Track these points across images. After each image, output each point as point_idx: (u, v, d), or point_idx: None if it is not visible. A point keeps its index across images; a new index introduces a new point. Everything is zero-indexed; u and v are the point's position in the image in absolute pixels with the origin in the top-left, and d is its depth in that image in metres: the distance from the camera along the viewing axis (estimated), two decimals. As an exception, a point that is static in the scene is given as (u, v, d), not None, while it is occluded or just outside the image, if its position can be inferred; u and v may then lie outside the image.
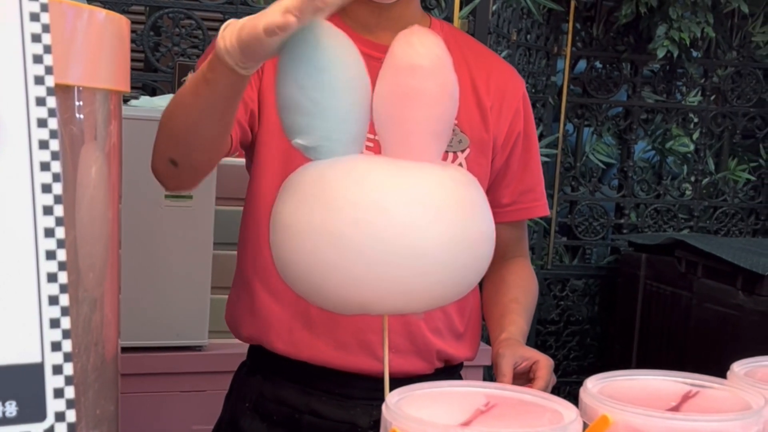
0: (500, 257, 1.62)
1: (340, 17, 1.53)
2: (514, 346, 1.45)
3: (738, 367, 1.08)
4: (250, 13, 3.53)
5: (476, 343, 1.64)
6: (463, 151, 1.51)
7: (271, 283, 1.48)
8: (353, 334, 1.48)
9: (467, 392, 0.99)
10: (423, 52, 1.10)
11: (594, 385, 0.99)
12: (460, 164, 1.51)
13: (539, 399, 0.96)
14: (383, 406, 0.91)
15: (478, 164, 1.53)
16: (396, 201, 1.06)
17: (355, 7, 1.48)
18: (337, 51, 1.06)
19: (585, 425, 0.92)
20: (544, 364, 1.41)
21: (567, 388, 4.10)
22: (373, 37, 1.48)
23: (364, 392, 1.49)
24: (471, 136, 1.52)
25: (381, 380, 1.14)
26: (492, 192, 1.58)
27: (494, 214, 1.58)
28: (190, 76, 1.32)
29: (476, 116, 1.53)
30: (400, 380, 1.06)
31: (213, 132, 1.32)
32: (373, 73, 1.11)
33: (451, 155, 1.51)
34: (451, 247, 1.08)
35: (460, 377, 1.64)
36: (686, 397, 1.00)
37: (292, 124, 1.08)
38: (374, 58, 1.14)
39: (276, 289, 1.48)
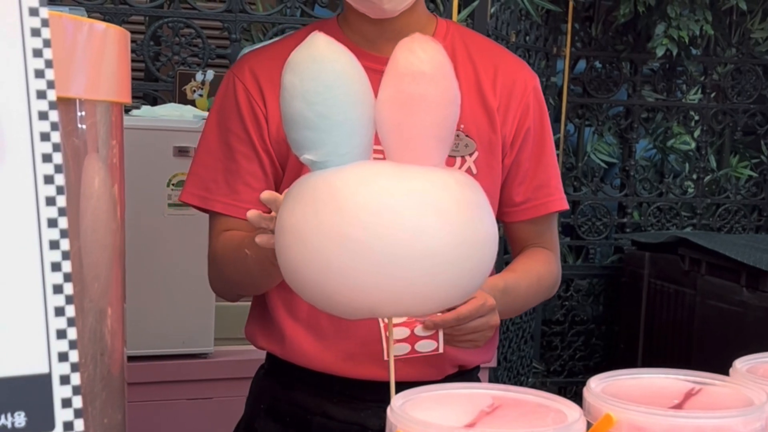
0: (519, 253, 1.63)
1: (342, 31, 1.54)
2: None
3: (740, 364, 1.08)
4: (249, 21, 3.54)
5: (493, 345, 1.63)
6: (471, 155, 1.52)
7: (284, 296, 1.52)
8: (361, 345, 1.49)
9: (471, 394, 0.99)
10: (425, 58, 1.11)
11: (597, 385, 1.00)
12: (469, 168, 1.52)
13: (543, 399, 0.97)
14: (388, 409, 0.91)
15: (488, 166, 1.53)
16: (405, 204, 1.07)
17: (357, 20, 1.49)
18: (342, 66, 1.07)
19: (589, 425, 0.93)
20: (474, 301, 1.38)
21: (573, 388, 4.10)
22: (376, 50, 1.48)
23: (375, 395, 1.50)
24: (478, 140, 1.52)
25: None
26: (505, 191, 1.58)
27: (508, 213, 1.60)
28: (236, 244, 1.49)
29: (483, 119, 1.53)
30: (409, 386, 1.06)
31: (262, 287, 1.54)
32: (376, 85, 1.12)
33: (459, 159, 1.52)
34: (457, 248, 1.09)
35: (478, 380, 1.64)
36: (689, 395, 1.00)
37: (300, 139, 1.08)
38: (377, 72, 1.14)
39: (289, 302, 1.52)
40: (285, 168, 1.53)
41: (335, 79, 1.06)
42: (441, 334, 1.37)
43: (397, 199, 1.07)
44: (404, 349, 1.35)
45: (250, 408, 1.66)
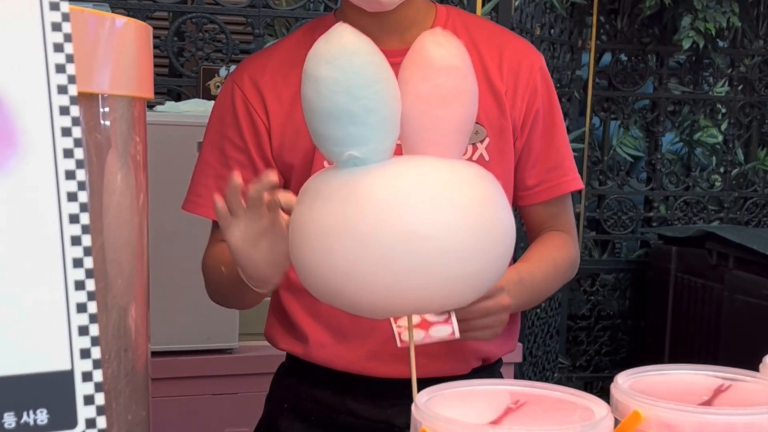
0: (536, 236, 1.61)
1: None
2: None
3: (770, 360, 1.07)
4: (273, 16, 3.53)
5: (514, 336, 1.61)
6: (482, 141, 1.50)
7: (303, 299, 1.50)
8: (383, 343, 1.48)
9: (497, 390, 0.98)
10: (456, 53, 1.10)
11: (625, 381, 0.98)
12: (481, 155, 1.51)
13: (569, 396, 0.95)
14: (413, 407, 0.91)
15: (500, 151, 1.51)
16: (452, 201, 1.06)
17: (354, 15, 1.46)
18: (379, 58, 1.05)
19: (616, 421, 0.92)
20: (487, 301, 1.36)
21: (600, 383, 4.08)
22: (378, 44, 1.44)
23: (401, 392, 1.48)
24: (488, 126, 1.50)
25: (417, 382, 1.14)
26: (518, 174, 1.56)
27: (522, 197, 1.58)
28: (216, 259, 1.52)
29: (491, 104, 1.51)
30: (436, 382, 1.05)
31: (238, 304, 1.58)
32: None
33: (470, 147, 1.50)
34: (480, 242, 1.08)
35: (500, 375, 1.63)
36: (718, 391, 0.99)
37: (344, 135, 1.04)
38: None
39: (311, 305, 1.49)
40: (290, 178, 1.51)
41: (377, 72, 1.04)
42: (453, 317, 1.34)
43: (449, 197, 1.06)
44: (419, 335, 1.33)
45: (271, 407, 1.64)
